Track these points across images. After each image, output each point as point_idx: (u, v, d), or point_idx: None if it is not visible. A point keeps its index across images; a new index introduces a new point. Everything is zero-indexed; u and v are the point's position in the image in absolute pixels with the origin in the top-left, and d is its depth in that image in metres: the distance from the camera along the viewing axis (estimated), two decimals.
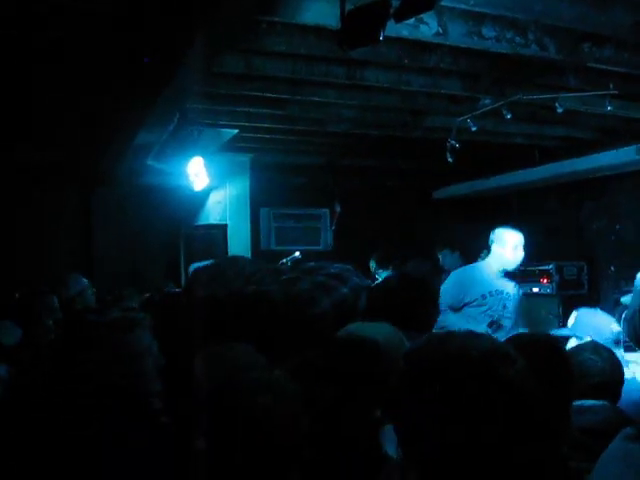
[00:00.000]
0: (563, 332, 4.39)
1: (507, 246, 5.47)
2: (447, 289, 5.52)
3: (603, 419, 2.84)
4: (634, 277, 6.66)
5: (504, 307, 5.42)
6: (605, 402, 3.02)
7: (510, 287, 5.53)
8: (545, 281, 8.35)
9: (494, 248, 5.53)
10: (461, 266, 7.44)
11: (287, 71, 5.33)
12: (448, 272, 7.64)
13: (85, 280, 5.90)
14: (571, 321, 4.38)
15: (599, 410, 2.93)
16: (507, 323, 5.39)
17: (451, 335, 1.59)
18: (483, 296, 5.39)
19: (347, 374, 2.19)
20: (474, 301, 5.39)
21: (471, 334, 1.58)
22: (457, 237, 9.08)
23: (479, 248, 8.42)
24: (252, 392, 1.87)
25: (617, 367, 3.21)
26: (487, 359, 1.50)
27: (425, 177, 10.00)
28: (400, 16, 3.06)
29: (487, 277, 5.48)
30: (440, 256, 7.82)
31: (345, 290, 3.16)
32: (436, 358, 1.52)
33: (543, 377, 2.21)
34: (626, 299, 6.58)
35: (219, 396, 1.92)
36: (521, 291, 5.84)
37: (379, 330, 2.58)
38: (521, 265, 8.62)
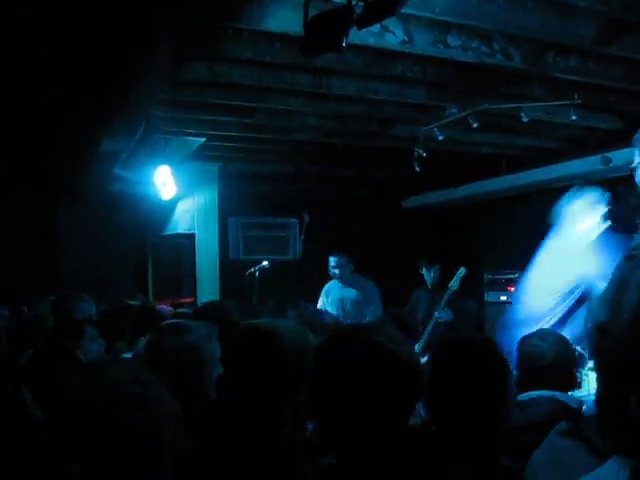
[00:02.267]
0: None
1: None
2: None
3: (545, 412, 2.88)
4: None
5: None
6: (552, 392, 3.06)
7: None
8: (512, 289, 8.38)
9: None
10: (435, 280, 7.50)
11: (253, 79, 5.31)
12: (424, 286, 7.66)
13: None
14: None
15: (541, 402, 2.98)
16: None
17: None
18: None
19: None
20: None
21: None
22: (427, 247, 9.11)
23: (449, 257, 8.49)
24: (128, 408, 1.82)
25: (564, 350, 3.23)
26: None
27: (394, 187, 10.02)
28: (362, 23, 3.05)
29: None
30: (423, 271, 7.83)
31: None
32: None
33: (478, 375, 2.24)
34: None
35: (91, 413, 1.85)
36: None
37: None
38: (489, 273, 8.75)
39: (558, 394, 3.06)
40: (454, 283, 6.99)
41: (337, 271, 7.74)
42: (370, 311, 7.51)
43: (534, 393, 3.07)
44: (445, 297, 7.01)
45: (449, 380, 2.26)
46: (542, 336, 3.27)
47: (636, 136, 2.96)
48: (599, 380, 2.14)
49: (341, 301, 7.77)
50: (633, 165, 2.88)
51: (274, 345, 2.35)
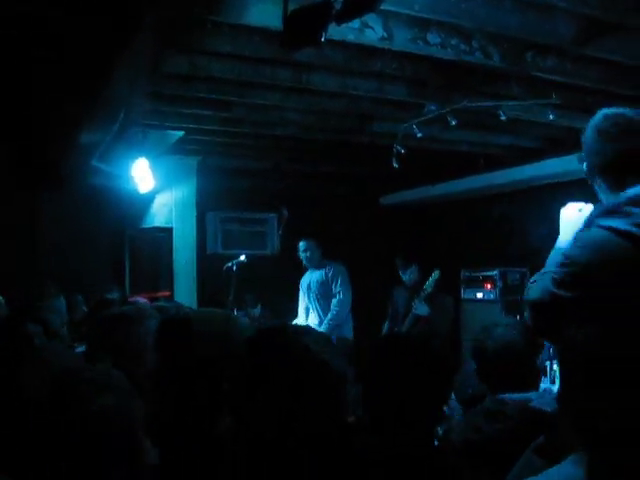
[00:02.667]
0: None
1: None
2: None
3: (517, 423, 2.76)
4: None
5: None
6: (523, 395, 2.93)
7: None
8: (489, 287, 8.44)
9: None
10: (414, 279, 7.52)
11: (233, 72, 5.28)
12: (403, 284, 7.69)
13: None
14: None
15: (513, 414, 2.81)
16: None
17: None
18: None
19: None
20: None
21: None
22: (406, 244, 9.14)
23: (427, 254, 8.51)
24: (90, 393, 1.83)
25: (520, 332, 3.04)
26: None
27: (372, 183, 10.03)
28: (342, 18, 3.04)
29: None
30: (400, 271, 7.85)
31: None
32: None
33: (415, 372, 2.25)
34: None
35: (51, 402, 1.85)
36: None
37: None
38: (466, 271, 8.80)
39: (532, 395, 2.93)
40: (428, 286, 7.09)
41: (306, 254, 7.78)
42: (338, 290, 7.59)
43: (506, 396, 2.91)
44: (421, 297, 7.10)
45: (383, 378, 2.28)
46: (488, 330, 3.14)
47: None
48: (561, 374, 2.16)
49: (309, 285, 7.81)
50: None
51: (189, 331, 2.37)
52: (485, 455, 2.60)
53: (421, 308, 7.10)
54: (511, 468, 2.31)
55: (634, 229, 1.91)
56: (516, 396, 2.90)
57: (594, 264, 1.97)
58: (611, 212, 2.02)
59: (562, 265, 2.08)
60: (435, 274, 7.12)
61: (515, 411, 2.78)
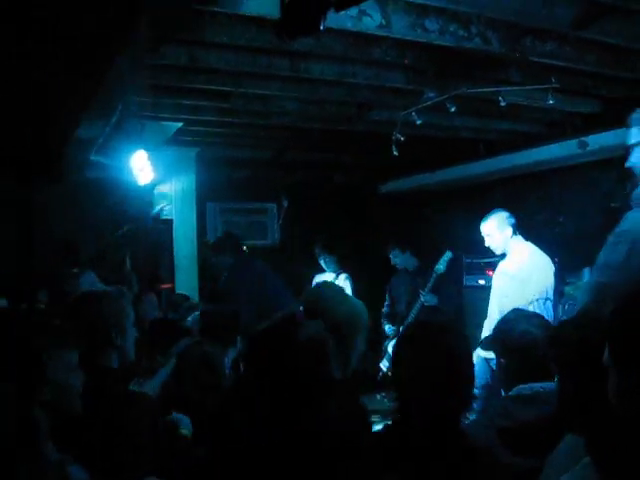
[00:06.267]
0: None
1: None
2: None
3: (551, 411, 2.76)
4: (577, 268, 6.78)
5: None
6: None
7: None
8: (491, 273, 8.42)
9: None
10: (414, 264, 7.55)
11: (230, 63, 5.25)
12: (403, 271, 7.70)
13: None
14: None
15: (549, 397, 2.79)
16: None
17: None
18: None
19: None
20: None
21: None
22: (404, 231, 9.13)
23: (426, 241, 8.51)
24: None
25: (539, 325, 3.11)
26: None
27: (372, 171, 10.02)
28: (341, 5, 3.02)
29: None
30: (391, 256, 7.85)
31: None
32: None
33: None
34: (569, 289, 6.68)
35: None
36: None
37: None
38: (467, 257, 8.78)
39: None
40: (440, 266, 7.05)
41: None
42: None
43: (537, 385, 2.92)
44: (432, 280, 7.05)
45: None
46: (528, 320, 3.15)
47: (634, 115, 2.89)
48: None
49: None
50: (630, 144, 2.82)
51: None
52: (521, 440, 2.60)
53: (429, 297, 7.10)
54: (548, 452, 2.30)
55: None
56: (542, 385, 2.90)
57: None
58: None
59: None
60: (447, 254, 7.09)
61: (550, 396, 2.79)
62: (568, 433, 2.22)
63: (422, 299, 7.10)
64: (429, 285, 7.08)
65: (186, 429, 3.24)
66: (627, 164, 2.78)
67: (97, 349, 3.03)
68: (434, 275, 7.06)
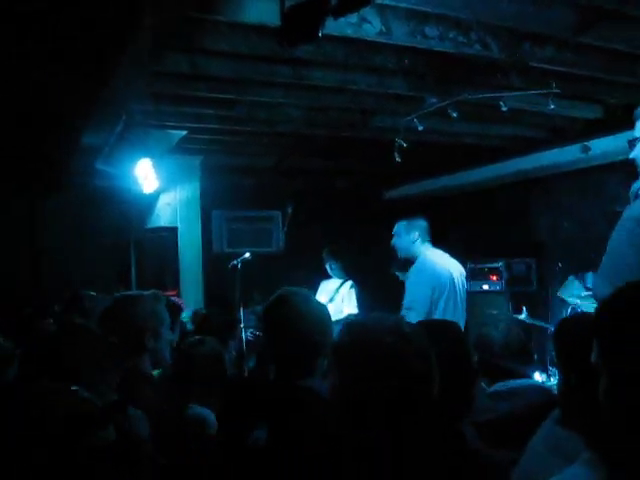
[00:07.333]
0: None
1: None
2: None
3: (528, 404, 2.86)
4: (581, 273, 6.78)
5: None
6: (530, 382, 3.10)
7: None
8: (494, 278, 8.45)
9: None
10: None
11: (232, 71, 5.30)
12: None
13: None
14: None
15: (524, 392, 2.96)
16: None
17: None
18: None
19: None
20: None
21: None
22: None
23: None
24: None
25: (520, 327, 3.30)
26: None
27: (376, 178, 10.03)
28: (338, 12, 3.06)
29: None
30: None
31: None
32: None
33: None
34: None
35: None
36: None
37: None
38: (471, 263, 8.80)
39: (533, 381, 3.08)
40: None
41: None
42: None
43: (515, 382, 3.05)
44: None
45: None
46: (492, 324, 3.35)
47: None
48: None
49: None
50: (636, 137, 2.84)
51: None
52: (499, 432, 2.63)
53: None
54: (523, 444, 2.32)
55: None
56: (520, 382, 3.05)
57: None
58: None
59: None
60: None
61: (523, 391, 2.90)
62: (544, 423, 2.23)
63: None
64: None
65: (212, 428, 3.23)
66: (631, 155, 2.81)
67: (130, 352, 3.01)
68: None
